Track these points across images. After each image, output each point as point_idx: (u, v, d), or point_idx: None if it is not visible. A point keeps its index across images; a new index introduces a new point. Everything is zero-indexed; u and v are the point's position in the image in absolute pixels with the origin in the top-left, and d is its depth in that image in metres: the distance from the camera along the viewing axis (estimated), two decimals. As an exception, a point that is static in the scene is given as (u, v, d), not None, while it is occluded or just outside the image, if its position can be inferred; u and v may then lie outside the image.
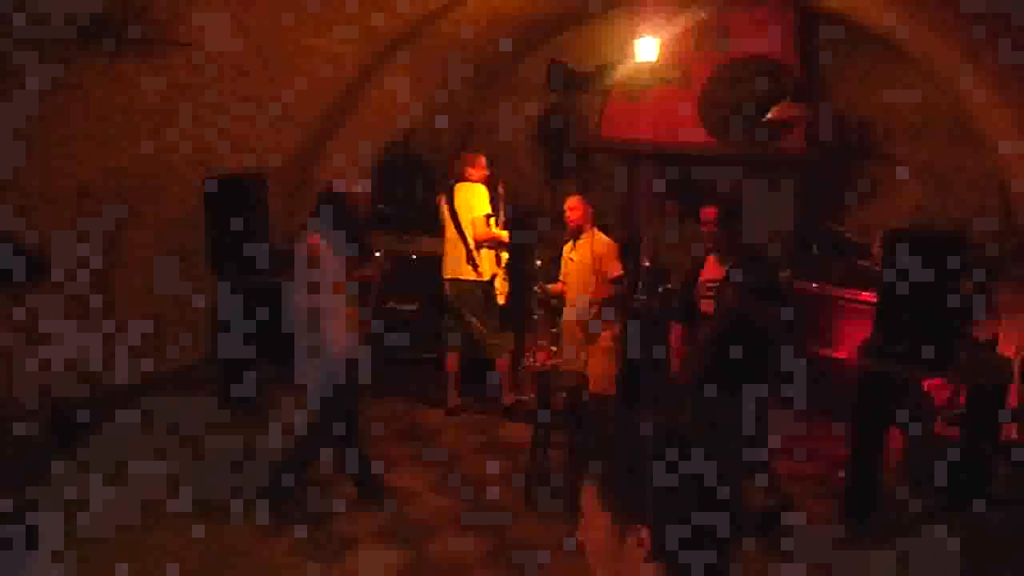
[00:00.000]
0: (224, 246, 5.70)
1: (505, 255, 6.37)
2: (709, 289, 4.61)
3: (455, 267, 6.22)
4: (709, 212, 4.59)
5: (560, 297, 5.98)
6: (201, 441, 5.38)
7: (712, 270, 4.66)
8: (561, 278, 5.96)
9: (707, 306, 4.64)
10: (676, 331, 4.99)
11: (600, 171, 8.51)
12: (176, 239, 5.91)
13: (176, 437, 5.42)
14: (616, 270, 5.64)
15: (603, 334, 5.70)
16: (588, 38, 8.26)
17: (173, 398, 5.94)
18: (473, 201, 6.10)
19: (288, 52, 5.43)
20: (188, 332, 6.37)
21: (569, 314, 5.81)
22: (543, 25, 8.01)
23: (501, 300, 6.34)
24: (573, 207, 5.76)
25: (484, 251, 6.17)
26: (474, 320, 6.25)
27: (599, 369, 5.69)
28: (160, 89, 4.77)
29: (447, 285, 6.31)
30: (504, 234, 6.22)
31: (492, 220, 6.18)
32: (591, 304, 5.63)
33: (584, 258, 5.69)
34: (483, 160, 6.29)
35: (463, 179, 6.20)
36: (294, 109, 6.10)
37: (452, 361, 6.44)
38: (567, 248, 5.88)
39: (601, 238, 5.71)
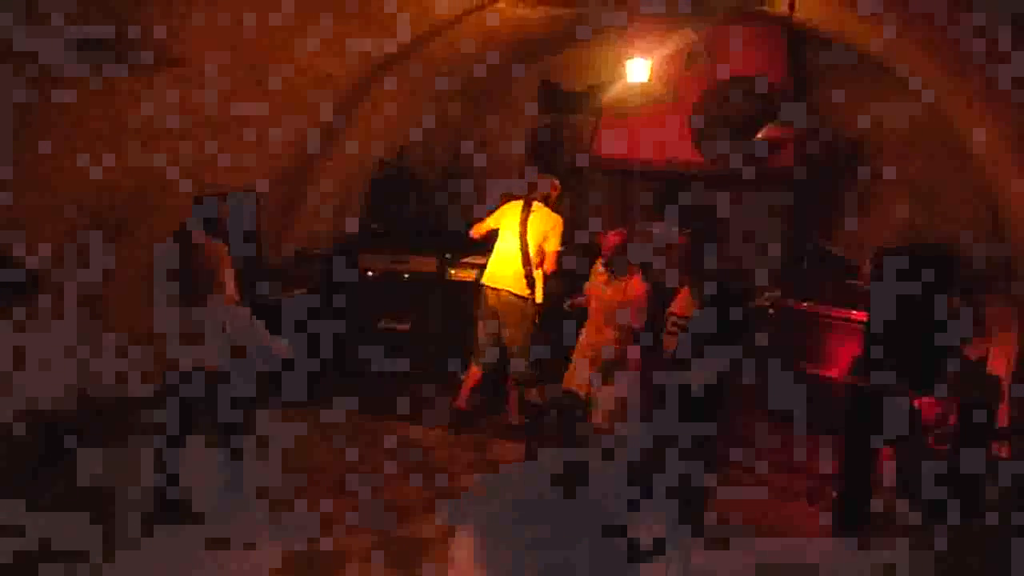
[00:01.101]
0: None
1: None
2: (674, 324, 4.55)
3: (506, 279, 6.19)
4: (678, 245, 4.51)
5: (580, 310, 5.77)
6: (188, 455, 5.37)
7: (682, 305, 4.58)
8: (587, 291, 5.72)
9: (669, 342, 4.59)
10: (633, 356, 4.98)
11: (593, 189, 8.54)
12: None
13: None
14: (637, 321, 5.29)
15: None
16: (580, 58, 8.33)
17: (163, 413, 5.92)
18: (553, 232, 6.18)
19: (282, 70, 5.46)
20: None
21: (587, 337, 5.63)
22: (535, 45, 8.07)
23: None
24: (607, 240, 5.55)
25: (540, 274, 6.21)
26: (510, 332, 6.20)
27: (610, 404, 5.34)
28: (153, 107, 4.78)
29: (489, 291, 6.26)
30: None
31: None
32: (613, 349, 5.38)
33: (616, 296, 5.41)
34: (557, 181, 6.44)
35: (544, 201, 6.28)
36: (286, 127, 6.11)
37: (476, 372, 6.39)
38: (603, 273, 5.57)
39: (639, 284, 5.38)
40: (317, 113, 6.36)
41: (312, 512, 4.95)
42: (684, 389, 4.49)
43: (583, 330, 5.68)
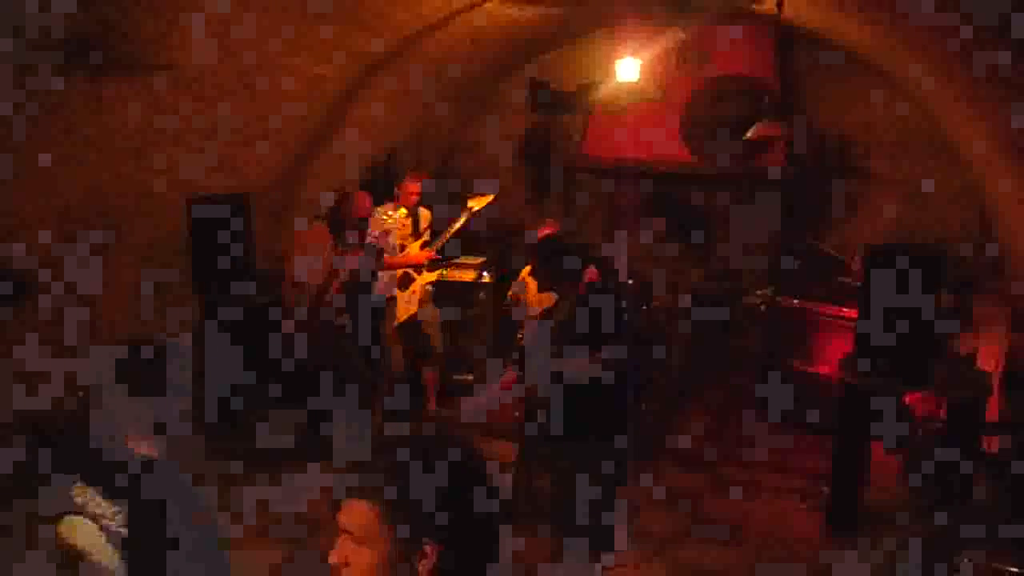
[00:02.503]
0: (208, 268, 5.66)
1: (427, 276, 6.38)
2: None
3: None
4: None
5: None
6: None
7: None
8: (515, 296, 5.59)
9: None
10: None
11: (584, 189, 8.56)
12: (160, 262, 5.86)
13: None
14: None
15: None
16: (570, 58, 8.34)
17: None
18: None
19: (271, 73, 5.44)
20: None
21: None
22: (526, 45, 8.07)
23: (401, 317, 6.29)
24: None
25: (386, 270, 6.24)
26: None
27: None
28: (142, 111, 4.76)
29: None
30: (417, 255, 6.26)
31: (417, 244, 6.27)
32: None
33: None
34: (409, 184, 6.25)
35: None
36: (277, 130, 6.09)
37: (426, 374, 6.60)
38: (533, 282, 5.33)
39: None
40: (308, 116, 6.35)
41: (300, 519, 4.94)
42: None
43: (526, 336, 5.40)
